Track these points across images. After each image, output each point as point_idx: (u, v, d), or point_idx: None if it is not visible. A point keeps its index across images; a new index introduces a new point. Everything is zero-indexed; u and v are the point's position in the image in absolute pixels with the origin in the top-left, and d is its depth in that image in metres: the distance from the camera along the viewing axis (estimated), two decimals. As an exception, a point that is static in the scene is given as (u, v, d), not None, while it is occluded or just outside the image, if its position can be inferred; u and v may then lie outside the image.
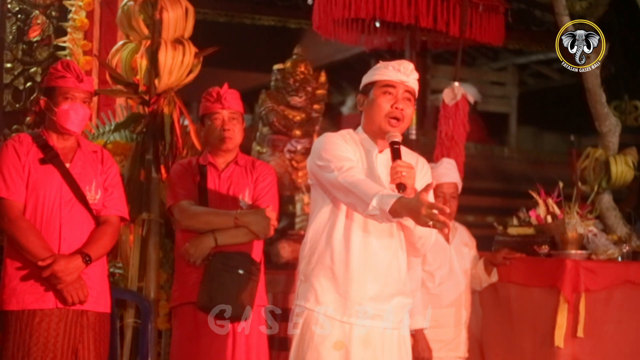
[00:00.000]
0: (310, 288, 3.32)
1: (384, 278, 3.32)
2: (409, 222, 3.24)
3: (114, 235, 4.11)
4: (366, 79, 3.43)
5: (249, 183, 4.37)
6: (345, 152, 3.30)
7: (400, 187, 3.14)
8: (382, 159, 3.36)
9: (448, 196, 4.77)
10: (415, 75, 3.39)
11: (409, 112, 3.35)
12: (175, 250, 4.42)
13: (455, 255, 4.84)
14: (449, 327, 4.78)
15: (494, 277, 4.93)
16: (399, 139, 3.27)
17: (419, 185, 3.27)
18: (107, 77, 5.01)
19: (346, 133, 3.43)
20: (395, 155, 3.22)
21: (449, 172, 4.85)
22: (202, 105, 4.46)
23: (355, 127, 3.49)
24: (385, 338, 3.33)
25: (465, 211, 4.99)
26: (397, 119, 3.32)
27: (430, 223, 2.97)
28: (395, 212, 3.05)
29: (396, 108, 3.32)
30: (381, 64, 3.41)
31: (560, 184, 5.00)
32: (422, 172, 3.42)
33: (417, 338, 4.65)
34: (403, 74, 3.35)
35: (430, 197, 3.13)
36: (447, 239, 4.85)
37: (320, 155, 3.30)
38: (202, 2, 5.70)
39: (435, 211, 2.96)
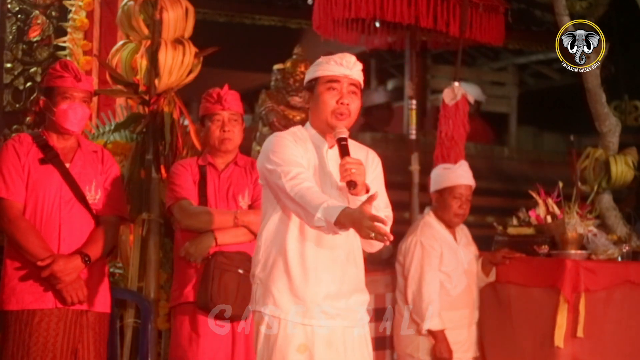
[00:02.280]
0: (268, 293, 3.27)
1: (341, 276, 3.29)
2: None
3: (113, 235, 4.12)
4: (309, 75, 3.38)
5: (249, 183, 4.38)
6: (293, 155, 3.25)
7: (351, 184, 3.11)
8: (333, 155, 3.32)
9: (464, 198, 4.81)
10: (358, 67, 3.35)
11: (355, 106, 3.32)
12: (175, 250, 4.42)
13: (463, 256, 4.86)
14: (464, 328, 4.81)
15: (492, 277, 4.94)
16: (346, 134, 3.24)
17: (370, 179, 3.26)
18: (107, 77, 5.02)
19: (296, 130, 3.39)
20: (344, 152, 3.19)
21: (466, 174, 4.89)
22: (202, 106, 4.46)
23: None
24: (346, 336, 3.29)
25: (465, 211, 4.98)
26: (343, 114, 3.29)
27: (372, 235, 2.95)
28: (340, 223, 3.02)
29: (342, 104, 3.29)
30: (323, 58, 3.37)
31: (560, 184, 5.00)
32: (372, 166, 3.38)
33: (438, 339, 4.66)
34: (346, 67, 3.31)
35: (373, 208, 3.07)
36: (456, 240, 4.86)
37: (269, 157, 3.26)
38: (202, 2, 5.69)
39: (377, 224, 2.94)
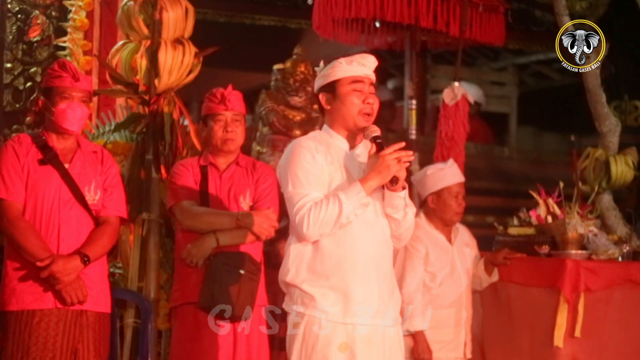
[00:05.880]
0: (307, 295, 3.27)
1: (378, 274, 3.31)
2: (398, 213, 3.29)
3: (113, 235, 4.11)
4: (329, 77, 3.37)
5: (250, 184, 4.37)
6: (310, 174, 3.25)
7: (394, 180, 3.20)
8: (357, 155, 3.37)
9: (461, 195, 4.83)
10: (375, 66, 3.41)
11: (377, 105, 3.37)
12: (176, 251, 4.42)
13: (457, 255, 4.85)
14: (449, 327, 4.79)
15: (495, 277, 4.93)
16: (378, 132, 3.30)
17: None
18: (107, 77, 5.02)
19: (316, 134, 3.41)
20: (381, 150, 3.24)
21: (458, 172, 4.91)
22: (204, 106, 4.45)
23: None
24: (386, 336, 3.32)
25: (465, 211, 4.97)
26: (370, 114, 3.34)
27: (399, 170, 3.16)
28: (369, 187, 3.20)
29: (368, 103, 3.33)
30: (344, 60, 3.37)
31: (561, 184, 5.00)
32: None
33: (417, 339, 4.66)
34: (368, 68, 3.37)
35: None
36: (450, 240, 4.86)
37: (287, 176, 3.28)
38: (202, 2, 5.70)
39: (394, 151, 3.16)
